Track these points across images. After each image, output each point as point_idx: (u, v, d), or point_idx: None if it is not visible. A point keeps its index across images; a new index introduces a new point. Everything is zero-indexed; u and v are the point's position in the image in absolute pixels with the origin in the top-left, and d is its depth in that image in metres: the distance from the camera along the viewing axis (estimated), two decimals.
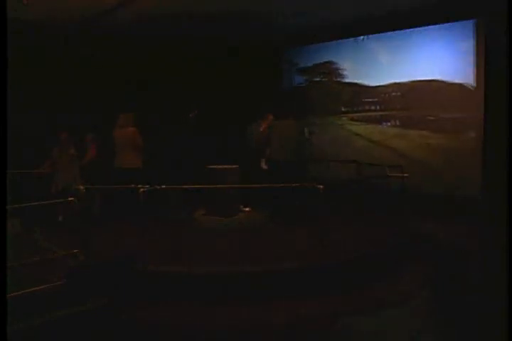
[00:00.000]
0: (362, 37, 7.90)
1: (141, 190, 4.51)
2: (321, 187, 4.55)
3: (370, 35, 7.79)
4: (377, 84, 7.82)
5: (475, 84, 6.60)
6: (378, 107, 7.86)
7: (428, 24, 7.03)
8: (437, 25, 6.94)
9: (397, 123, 7.54)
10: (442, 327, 3.75)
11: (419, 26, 7.14)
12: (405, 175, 5.77)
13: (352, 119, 8.29)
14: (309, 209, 5.51)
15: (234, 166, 6.52)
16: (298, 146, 7.11)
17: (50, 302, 3.58)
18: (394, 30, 7.47)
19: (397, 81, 7.51)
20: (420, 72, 7.22)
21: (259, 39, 8.22)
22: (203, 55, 8.25)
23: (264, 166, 6.98)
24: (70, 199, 4.40)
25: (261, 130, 7.38)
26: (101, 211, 6.24)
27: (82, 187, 4.62)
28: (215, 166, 6.49)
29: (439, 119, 7.06)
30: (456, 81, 6.80)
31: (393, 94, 7.56)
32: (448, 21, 6.80)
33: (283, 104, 8.61)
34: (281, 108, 7.86)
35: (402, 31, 7.33)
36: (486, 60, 6.35)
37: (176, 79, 7.97)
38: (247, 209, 6.67)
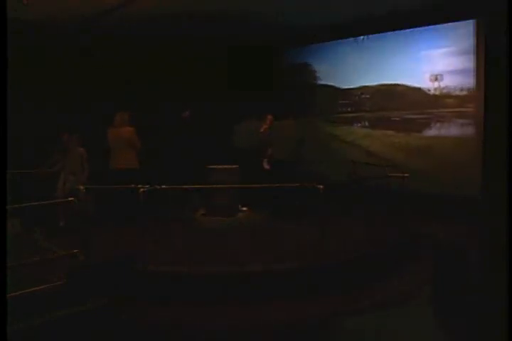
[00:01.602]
0: (362, 37, 7.92)
1: (141, 190, 4.51)
2: (321, 187, 4.55)
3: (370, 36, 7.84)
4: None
5: (475, 84, 6.60)
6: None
7: (428, 24, 7.04)
8: (431, 26, 7.01)
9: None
10: (442, 327, 3.75)
11: (419, 26, 7.15)
12: (405, 175, 5.77)
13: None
14: (309, 209, 5.51)
15: (234, 166, 6.52)
16: (298, 146, 7.12)
17: (50, 302, 3.57)
18: (394, 30, 7.48)
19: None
20: (422, 72, 7.25)
21: (260, 39, 8.22)
22: (202, 55, 8.25)
23: (266, 166, 6.99)
24: (70, 199, 4.40)
25: (261, 131, 7.39)
26: (98, 211, 6.17)
27: (82, 187, 4.61)
28: (215, 166, 6.49)
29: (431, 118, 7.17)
30: (456, 81, 6.82)
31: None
32: (448, 21, 6.81)
33: (283, 104, 8.60)
34: (282, 108, 7.87)
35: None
36: (486, 60, 6.35)
37: (176, 79, 7.97)
38: (244, 208, 6.68)
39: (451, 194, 6.63)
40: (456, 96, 6.84)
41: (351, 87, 8.18)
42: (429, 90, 7.11)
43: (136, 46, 7.72)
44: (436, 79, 6.91)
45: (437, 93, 7.01)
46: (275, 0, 6.31)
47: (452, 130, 6.98)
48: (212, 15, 6.77)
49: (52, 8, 6.01)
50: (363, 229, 5.84)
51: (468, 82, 6.67)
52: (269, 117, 7.32)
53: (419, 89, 7.21)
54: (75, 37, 7.20)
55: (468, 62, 6.62)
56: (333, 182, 6.21)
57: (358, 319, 3.91)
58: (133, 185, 4.64)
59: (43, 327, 3.32)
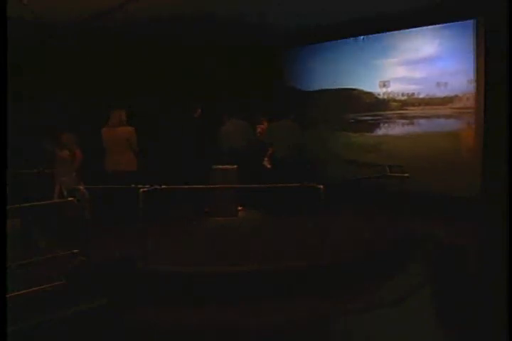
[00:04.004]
0: (362, 37, 7.93)
1: (142, 190, 4.51)
2: (321, 187, 4.55)
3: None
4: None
5: (475, 84, 6.61)
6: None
7: (428, 24, 7.04)
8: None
9: None
10: (442, 327, 3.75)
11: (419, 26, 7.16)
12: (405, 175, 5.77)
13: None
14: (309, 209, 5.52)
15: (234, 166, 6.53)
16: (298, 146, 7.13)
17: (50, 302, 3.58)
18: (394, 30, 7.50)
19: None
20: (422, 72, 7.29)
21: (259, 39, 8.23)
22: (202, 54, 8.26)
23: (267, 165, 7.02)
24: (70, 199, 4.40)
25: (259, 130, 7.45)
26: (98, 211, 6.10)
27: (82, 187, 4.61)
28: (215, 166, 6.49)
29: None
30: (457, 81, 6.84)
31: None
32: (448, 21, 6.81)
33: (282, 104, 8.62)
34: (281, 108, 7.89)
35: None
36: (486, 60, 6.36)
37: (175, 79, 7.97)
38: (240, 208, 6.69)
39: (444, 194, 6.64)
40: (400, 100, 7.53)
41: (313, 89, 8.71)
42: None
43: (135, 46, 7.73)
44: (384, 85, 7.73)
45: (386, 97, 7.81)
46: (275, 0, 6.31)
47: (398, 129, 7.60)
48: (212, 15, 6.77)
49: (52, 8, 6.01)
50: (363, 229, 5.84)
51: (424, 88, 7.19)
52: (262, 119, 7.40)
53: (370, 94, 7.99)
54: (75, 36, 7.20)
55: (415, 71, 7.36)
56: (333, 182, 6.22)
57: (357, 319, 3.91)
58: (133, 185, 4.64)
59: (43, 327, 3.32)
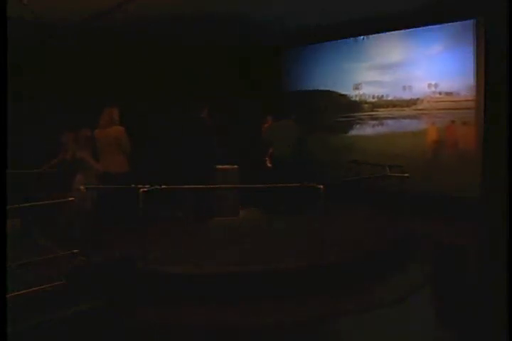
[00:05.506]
0: (362, 37, 7.93)
1: (142, 190, 4.51)
2: (321, 187, 4.55)
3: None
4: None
5: (475, 84, 6.61)
6: None
7: (428, 24, 7.04)
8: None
9: None
10: (442, 327, 3.75)
11: (419, 26, 7.16)
12: (406, 175, 5.77)
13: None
14: (309, 209, 5.51)
15: (234, 166, 6.53)
16: (298, 146, 7.13)
17: (50, 302, 3.57)
18: (393, 30, 7.50)
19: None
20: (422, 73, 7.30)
21: (259, 39, 8.23)
22: (202, 54, 8.26)
23: (268, 164, 7.04)
24: (70, 199, 4.40)
25: (262, 129, 7.46)
26: (98, 211, 6.03)
27: (82, 187, 4.61)
28: (215, 166, 6.48)
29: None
30: (458, 81, 6.85)
31: None
32: (448, 21, 6.81)
33: (283, 104, 8.61)
34: (281, 108, 7.89)
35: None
36: (486, 60, 6.36)
37: (175, 79, 7.97)
38: (239, 207, 6.69)
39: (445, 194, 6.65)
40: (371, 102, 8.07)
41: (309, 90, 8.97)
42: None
43: (135, 46, 7.72)
44: (357, 88, 8.27)
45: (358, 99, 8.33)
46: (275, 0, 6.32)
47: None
48: (212, 15, 6.77)
49: (52, 8, 6.01)
50: (363, 229, 5.84)
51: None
52: (268, 118, 7.42)
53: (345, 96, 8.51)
54: (75, 36, 7.19)
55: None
56: (333, 182, 6.22)
57: (357, 319, 3.91)
58: (133, 185, 4.63)
59: (43, 327, 3.32)
